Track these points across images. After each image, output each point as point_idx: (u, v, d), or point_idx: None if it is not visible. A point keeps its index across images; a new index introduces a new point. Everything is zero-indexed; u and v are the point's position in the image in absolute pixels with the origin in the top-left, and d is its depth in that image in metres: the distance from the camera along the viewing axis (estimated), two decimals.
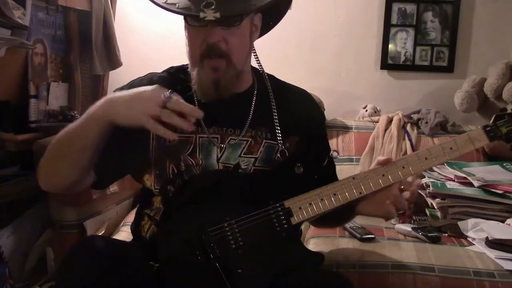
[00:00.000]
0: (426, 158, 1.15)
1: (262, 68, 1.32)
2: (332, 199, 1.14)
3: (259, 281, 1.10)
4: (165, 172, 1.22)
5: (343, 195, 1.14)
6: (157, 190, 1.24)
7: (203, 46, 1.16)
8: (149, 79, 1.29)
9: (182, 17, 1.21)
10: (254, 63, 1.33)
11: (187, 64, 1.28)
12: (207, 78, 1.18)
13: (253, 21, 1.24)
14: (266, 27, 1.33)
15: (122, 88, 1.30)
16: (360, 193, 1.15)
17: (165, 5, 1.16)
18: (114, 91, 1.31)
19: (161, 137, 1.21)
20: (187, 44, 1.21)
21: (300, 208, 1.13)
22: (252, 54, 1.29)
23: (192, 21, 1.16)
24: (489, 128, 1.16)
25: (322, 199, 1.14)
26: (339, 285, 1.08)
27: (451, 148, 1.15)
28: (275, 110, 1.26)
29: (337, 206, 1.15)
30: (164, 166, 1.23)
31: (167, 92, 1.05)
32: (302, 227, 1.45)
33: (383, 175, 1.15)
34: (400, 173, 1.15)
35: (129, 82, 1.31)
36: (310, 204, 1.14)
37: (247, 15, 1.18)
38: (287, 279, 1.09)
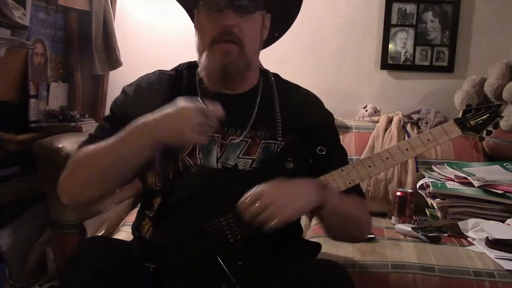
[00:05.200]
0: (407, 149, 1.21)
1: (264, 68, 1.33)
2: None
3: (259, 273, 1.11)
4: (166, 171, 1.23)
5: (333, 186, 1.17)
6: (158, 188, 1.24)
7: (216, 31, 1.17)
8: (158, 76, 1.31)
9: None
10: None
11: (194, 61, 1.29)
12: (216, 62, 1.19)
13: (264, 19, 1.25)
14: (272, 37, 1.35)
15: (131, 85, 1.30)
16: (350, 183, 1.17)
17: None
18: (124, 88, 1.31)
19: None
20: (197, 31, 1.23)
21: None
22: None
23: (208, 5, 1.18)
24: (459, 121, 1.25)
25: None
26: (334, 273, 1.09)
27: (428, 139, 1.22)
28: (278, 111, 1.26)
29: None
30: (165, 165, 1.23)
31: (203, 106, 1.08)
32: (303, 226, 1.46)
33: (370, 166, 1.19)
34: (385, 163, 1.20)
35: (138, 79, 1.32)
36: None
37: (260, 5, 1.20)
38: (285, 269, 1.10)
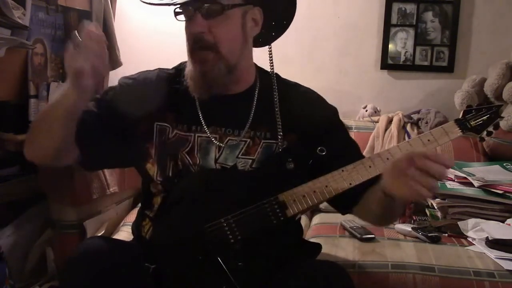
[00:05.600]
0: (407, 150, 1.20)
1: (273, 67, 1.31)
2: (324, 190, 1.16)
3: (259, 274, 1.11)
4: (166, 168, 1.23)
5: (334, 186, 1.16)
6: (159, 181, 1.25)
7: (190, 40, 1.18)
8: (156, 74, 1.31)
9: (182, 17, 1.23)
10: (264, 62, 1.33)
11: None
12: (195, 70, 1.19)
13: (249, 14, 1.21)
14: (279, 28, 1.32)
15: (129, 78, 1.32)
16: (350, 184, 1.17)
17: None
18: (121, 79, 1.34)
19: (163, 133, 1.24)
20: None
21: (294, 200, 1.15)
22: (268, 53, 1.30)
23: (180, 16, 1.19)
24: (459, 121, 1.24)
25: (314, 191, 1.16)
26: (334, 274, 1.09)
27: (428, 140, 1.22)
28: (278, 111, 1.25)
29: (329, 198, 1.17)
30: (165, 162, 1.24)
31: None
32: (303, 226, 1.46)
33: (370, 167, 1.18)
34: (385, 164, 1.19)
35: (137, 74, 1.34)
36: (304, 196, 1.16)
37: (229, 6, 1.16)
38: (285, 270, 1.11)
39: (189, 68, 1.21)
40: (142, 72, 1.33)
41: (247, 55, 1.26)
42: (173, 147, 1.23)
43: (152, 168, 1.26)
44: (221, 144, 1.23)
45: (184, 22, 1.20)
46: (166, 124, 1.25)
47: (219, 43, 1.16)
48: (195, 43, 1.17)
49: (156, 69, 1.33)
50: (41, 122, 1.18)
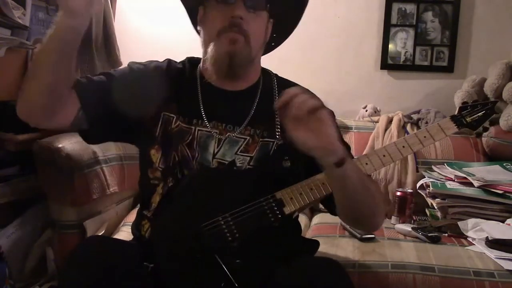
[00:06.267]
0: (403, 147, 1.21)
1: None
2: (321, 187, 1.17)
3: (258, 271, 1.12)
4: (168, 157, 1.24)
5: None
6: (160, 169, 1.25)
7: (225, 22, 1.20)
8: (166, 64, 1.33)
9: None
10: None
11: (197, 57, 1.32)
12: (222, 50, 1.21)
13: (268, 22, 1.28)
14: (269, 46, 1.38)
15: (139, 63, 1.33)
16: None
17: None
18: (131, 63, 1.34)
19: (168, 122, 1.25)
20: (203, 26, 1.26)
21: (291, 198, 1.16)
22: None
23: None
24: (455, 118, 1.25)
25: (311, 189, 1.17)
26: (332, 271, 1.09)
27: (424, 137, 1.23)
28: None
29: (327, 194, 1.17)
30: (168, 151, 1.25)
31: None
32: (303, 226, 1.46)
33: (367, 164, 1.20)
34: (381, 161, 1.20)
35: (147, 61, 1.35)
36: (301, 194, 1.16)
37: (265, 6, 1.23)
38: (283, 267, 1.11)
39: (212, 52, 1.22)
40: (151, 60, 1.35)
41: (259, 56, 1.32)
42: (175, 137, 1.25)
43: (156, 155, 1.26)
44: (221, 137, 1.24)
45: (217, 4, 1.22)
46: (171, 114, 1.27)
47: (250, 33, 1.21)
48: (231, 26, 1.19)
49: (166, 59, 1.36)
50: (32, 66, 1.17)
